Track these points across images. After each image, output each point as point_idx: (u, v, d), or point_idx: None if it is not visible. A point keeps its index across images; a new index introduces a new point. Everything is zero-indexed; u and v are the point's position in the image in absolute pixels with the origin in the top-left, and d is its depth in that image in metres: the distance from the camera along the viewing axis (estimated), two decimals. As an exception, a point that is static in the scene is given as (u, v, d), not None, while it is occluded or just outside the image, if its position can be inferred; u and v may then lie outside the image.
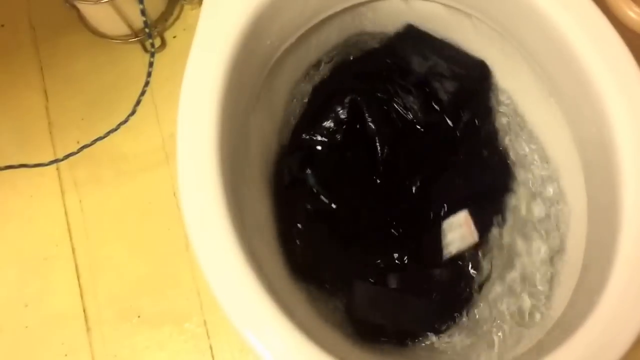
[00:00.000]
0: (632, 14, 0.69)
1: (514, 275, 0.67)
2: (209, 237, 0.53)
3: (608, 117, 0.52)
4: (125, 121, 0.81)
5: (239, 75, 0.59)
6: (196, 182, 0.55)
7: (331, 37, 0.72)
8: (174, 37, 0.97)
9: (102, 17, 0.91)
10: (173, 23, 0.98)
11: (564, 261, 0.64)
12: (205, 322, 0.81)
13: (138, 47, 0.96)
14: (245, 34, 0.58)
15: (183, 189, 0.55)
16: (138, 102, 0.78)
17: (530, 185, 0.69)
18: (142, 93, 0.77)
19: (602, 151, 0.53)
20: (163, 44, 0.96)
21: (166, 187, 0.89)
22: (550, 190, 0.66)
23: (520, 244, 0.67)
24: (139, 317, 0.82)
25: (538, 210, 0.67)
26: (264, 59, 0.63)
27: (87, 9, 0.91)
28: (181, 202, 0.54)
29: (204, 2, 0.62)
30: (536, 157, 0.69)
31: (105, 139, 0.88)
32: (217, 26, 0.59)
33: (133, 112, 0.79)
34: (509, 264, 0.68)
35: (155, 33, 0.96)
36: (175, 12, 0.98)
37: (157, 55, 0.93)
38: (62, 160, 0.84)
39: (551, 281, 0.64)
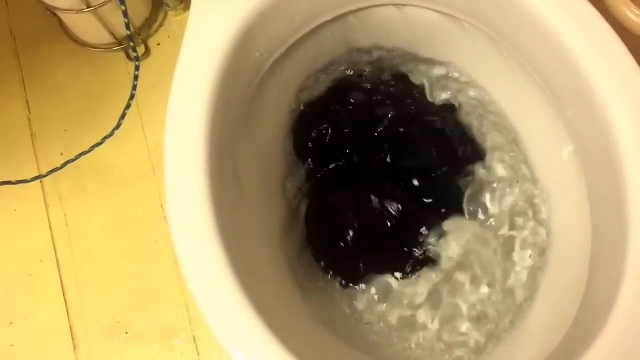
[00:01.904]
0: (632, 16, 0.66)
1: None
2: (200, 261, 0.52)
3: (611, 125, 0.50)
4: (111, 135, 0.79)
5: (228, 90, 0.57)
6: (185, 203, 0.54)
7: (322, 48, 0.71)
8: (158, 44, 0.96)
9: (84, 25, 0.90)
10: (157, 30, 0.96)
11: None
12: (194, 338, 0.79)
13: (122, 55, 0.94)
14: (233, 46, 0.57)
15: (172, 209, 0.54)
16: (123, 116, 0.76)
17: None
18: (128, 106, 0.75)
19: (607, 162, 0.52)
20: (147, 51, 0.95)
21: (153, 199, 0.87)
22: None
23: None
24: (126, 333, 0.80)
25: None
26: (253, 72, 0.62)
27: (68, 18, 0.89)
28: (170, 223, 0.53)
29: (191, 13, 0.59)
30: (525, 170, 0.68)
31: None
32: (205, 39, 0.58)
33: (118, 126, 0.77)
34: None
35: (139, 41, 0.94)
36: (160, 19, 0.97)
37: (141, 64, 0.92)
38: (45, 176, 0.82)
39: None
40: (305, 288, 0.66)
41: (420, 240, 0.70)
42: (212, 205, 0.54)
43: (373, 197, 0.69)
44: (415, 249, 0.70)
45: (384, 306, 0.68)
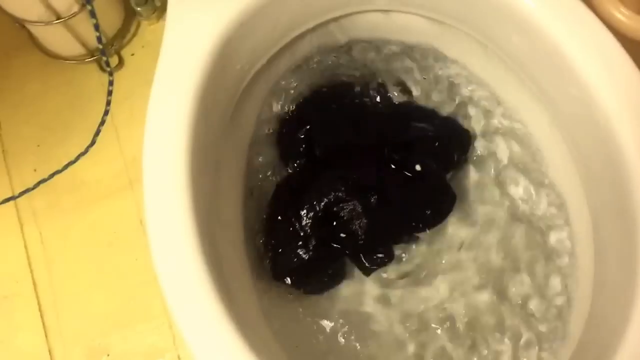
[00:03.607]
0: (619, 16, 0.64)
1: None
2: (184, 288, 0.50)
3: (612, 128, 0.50)
4: (85, 152, 0.77)
5: (208, 103, 0.55)
6: (165, 221, 0.52)
7: (304, 56, 0.69)
8: (132, 54, 0.93)
9: (54, 37, 0.87)
10: (130, 40, 0.94)
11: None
12: (179, 357, 0.77)
13: (94, 66, 0.92)
14: (213, 60, 0.55)
15: (151, 229, 0.52)
16: (97, 132, 0.73)
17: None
18: (102, 122, 0.73)
19: (609, 165, 0.51)
20: (121, 62, 0.92)
21: (131, 214, 0.84)
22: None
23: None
24: (108, 355, 0.78)
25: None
26: (234, 84, 0.60)
27: (38, 30, 0.86)
28: (150, 244, 0.51)
29: (166, 24, 0.57)
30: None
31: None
32: (183, 52, 0.55)
33: (92, 143, 0.75)
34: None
35: (112, 52, 0.92)
36: (133, 29, 0.94)
37: (115, 75, 0.89)
38: (17, 197, 0.78)
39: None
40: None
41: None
42: (194, 221, 0.52)
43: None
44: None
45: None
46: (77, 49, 0.89)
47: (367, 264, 0.66)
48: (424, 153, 0.72)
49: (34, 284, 0.82)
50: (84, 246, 0.84)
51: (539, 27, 0.54)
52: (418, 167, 0.72)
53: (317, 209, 0.65)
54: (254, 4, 0.56)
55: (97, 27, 0.66)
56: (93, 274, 0.82)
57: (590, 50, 0.52)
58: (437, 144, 0.72)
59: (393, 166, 0.72)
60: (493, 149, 0.72)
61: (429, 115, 0.74)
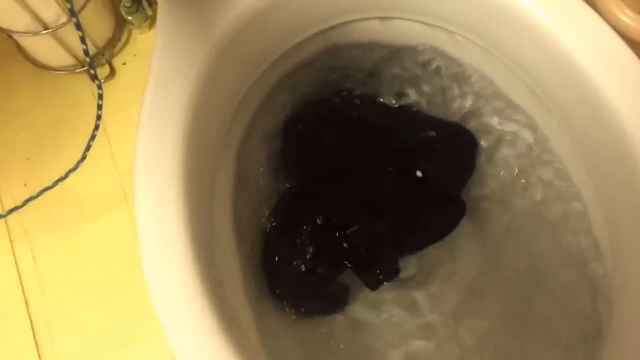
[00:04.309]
0: (625, 19, 0.64)
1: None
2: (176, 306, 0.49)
3: (624, 134, 0.48)
4: (76, 167, 0.74)
5: (203, 115, 0.53)
6: (161, 249, 0.51)
7: (302, 68, 0.67)
8: (124, 63, 0.91)
9: (43, 48, 0.84)
10: (122, 49, 0.92)
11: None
12: (178, 377, 0.74)
13: (85, 76, 0.89)
14: (206, 72, 0.53)
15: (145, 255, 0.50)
16: (88, 147, 0.71)
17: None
18: (92, 137, 0.70)
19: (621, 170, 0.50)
20: (112, 72, 0.89)
21: (126, 229, 0.82)
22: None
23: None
24: (104, 375, 0.75)
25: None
26: (229, 99, 0.58)
27: (26, 41, 0.83)
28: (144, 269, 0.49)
29: (157, 35, 0.55)
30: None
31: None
32: (175, 65, 0.53)
33: (83, 158, 0.72)
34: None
35: (104, 61, 0.89)
36: (124, 38, 0.92)
37: (106, 85, 0.87)
38: (5, 215, 0.76)
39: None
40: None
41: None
42: (190, 239, 0.51)
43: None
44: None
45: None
46: (66, 59, 0.86)
47: (373, 278, 0.64)
48: (426, 158, 0.70)
49: (26, 302, 0.79)
50: (77, 263, 0.81)
51: (543, 30, 0.53)
52: (419, 174, 0.70)
53: (319, 221, 0.63)
54: (248, 16, 0.54)
55: (83, 40, 0.63)
56: (87, 291, 0.80)
57: (598, 54, 0.51)
58: (438, 146, 0.70)
59: (393, 174, 0.70)
60: (502, 153, 0.70)
61: (431, 120, 0.72)
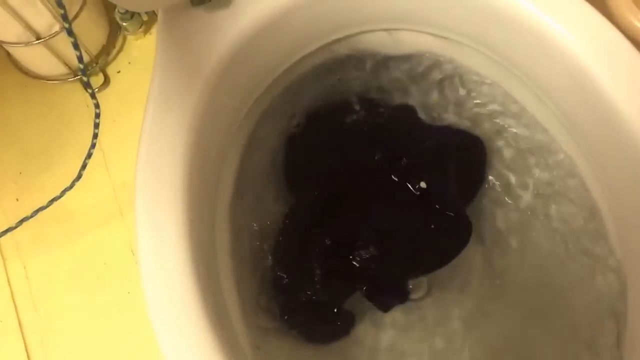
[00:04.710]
0: (637, 23, 0.62)
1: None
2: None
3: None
4: (71, 186, 0.71)
5: (207, 134, 0.51)
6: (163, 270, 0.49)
7: (307, 83, 0.65)
8: (118, 72, 0.88)
9: (35, 58, 0.81)
10: (116, 56, 0.89)
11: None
12: (178, 400, 0.72)
13: (78, 86, 0.86)
14: (208, 88, 0.50)
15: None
16: (84, 166, 0.68)
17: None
18: (89, 155, 0.67)
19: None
20: (106, 81, 0.87)
21: (122, 244, 0.79)
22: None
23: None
24: (100, 399, 0.73)
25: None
26: (233, 116, 0.55)
27: (17, 51, 0.80)
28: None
29: (157, 51, 0.52)
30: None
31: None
32: (178, 78, 0.51)
33: (79, 177, 0.69)
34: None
35: (97, 69, 0.86)
36: (118, 44, 0.89)
37: (100, 94, 0.84)
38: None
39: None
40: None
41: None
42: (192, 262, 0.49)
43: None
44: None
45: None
46: (59, 69, 0.83)
47: (384, 300, 0.62)
48: (431, 169, 0.68)
49: (20, 323, 0.77)
50: (72, 280, 0.78)
51: (553, 40, 0.51)
52: (423, 185, 0.68)
53: (327, 243, 0.60)
54: (251, 31, 0.52)
55: (76, 46, 0.60)
56: (82, 310, 0.77)
57: (610, 63, 0.49)
58: (445, 155, 0.67)
59: (398, 187, 0.68)
60: (515, 165, 0.68)
61: (438, 129, 0.70)
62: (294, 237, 0.61)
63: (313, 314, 0.61)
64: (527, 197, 0.66)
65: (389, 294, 0.62)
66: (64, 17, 0.60)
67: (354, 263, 0.60)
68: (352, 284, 0.62)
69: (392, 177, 0.67)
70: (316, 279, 0.59)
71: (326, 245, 0.60)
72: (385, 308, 0.62)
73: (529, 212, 0.66)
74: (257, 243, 0.62)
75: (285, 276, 0.60)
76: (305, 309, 0.60)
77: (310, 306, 0.60)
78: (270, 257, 0.62)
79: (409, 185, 0.66)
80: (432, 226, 0.64)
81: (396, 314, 0.64)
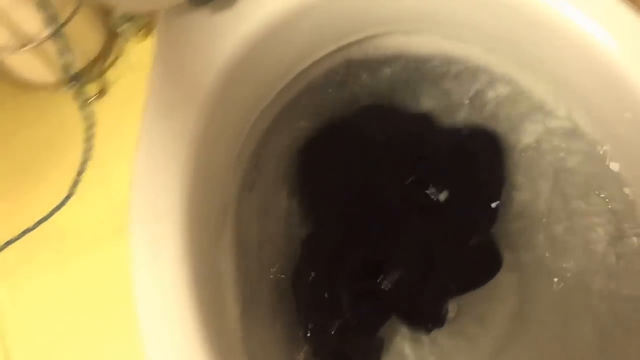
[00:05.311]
0: None
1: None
2: None
3: None
4: (61, 205, 0.65)
5: (208, 151, 0.47)
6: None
7: (318, 91, 0.60)
8: (117, 78, 0.83)
9: (24, 66, 0.77)
10: (113, 63, 0.84)
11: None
12: None
13: (71, 95, 0.81)
14: (214, 96, 0.46)
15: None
16: (76, 183, 0.63)
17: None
18: (80, 172, 0.62)
19: None
20: (103, 89, 0.82)
21: (120, 266, 0.73)
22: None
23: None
24: None
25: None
26: (239, 123, 0.50)
27: (6, 58, 0.75)
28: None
29: (155, 58, 0.48)
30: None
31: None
32: (176, 86, 0.47)
33: (70, 195, 0.64)
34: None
35: (94, 76, 0.81)
36: (115, 50, 0.84)
37: (97, 104, 0.79)
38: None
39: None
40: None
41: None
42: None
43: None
44: None
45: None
46: (50, 77, 0.79)
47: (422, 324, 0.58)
48: (448, 176, 0.64)
49: (7, 353, 0.71)
50: (65, 306, 0.73)
51: (587, 43, 0.48)
52: (442, 197, 0.63)
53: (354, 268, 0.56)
54: (258, 33, 0.48)
55: (64, 50, 0.57)
56: (76, 340, 0.71)
57: None
58: (462, 156, 0.64)
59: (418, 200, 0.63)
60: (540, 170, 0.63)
61: (454, 131, 0.66)
62: (314, 266, 0.56)
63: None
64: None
65: (428, 317, 0.58)
66: (52, 18, 0.55)
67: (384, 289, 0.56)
68: (383, 308, 0.58)
69: (413, 190, 0.64)
70: (344, 309, 0.55)
71: (352, 270, 0.55)
72: (426, 330, 0.59)
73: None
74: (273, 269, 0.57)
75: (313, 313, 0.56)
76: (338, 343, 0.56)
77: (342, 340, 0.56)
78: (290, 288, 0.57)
79: (431, 196, 0.63)
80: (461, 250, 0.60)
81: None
